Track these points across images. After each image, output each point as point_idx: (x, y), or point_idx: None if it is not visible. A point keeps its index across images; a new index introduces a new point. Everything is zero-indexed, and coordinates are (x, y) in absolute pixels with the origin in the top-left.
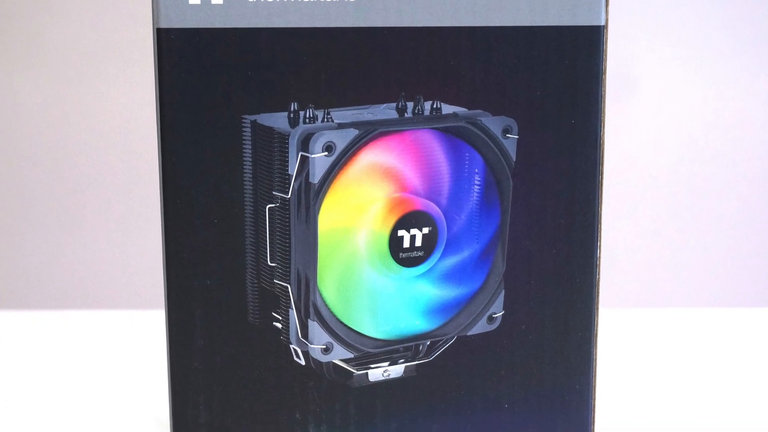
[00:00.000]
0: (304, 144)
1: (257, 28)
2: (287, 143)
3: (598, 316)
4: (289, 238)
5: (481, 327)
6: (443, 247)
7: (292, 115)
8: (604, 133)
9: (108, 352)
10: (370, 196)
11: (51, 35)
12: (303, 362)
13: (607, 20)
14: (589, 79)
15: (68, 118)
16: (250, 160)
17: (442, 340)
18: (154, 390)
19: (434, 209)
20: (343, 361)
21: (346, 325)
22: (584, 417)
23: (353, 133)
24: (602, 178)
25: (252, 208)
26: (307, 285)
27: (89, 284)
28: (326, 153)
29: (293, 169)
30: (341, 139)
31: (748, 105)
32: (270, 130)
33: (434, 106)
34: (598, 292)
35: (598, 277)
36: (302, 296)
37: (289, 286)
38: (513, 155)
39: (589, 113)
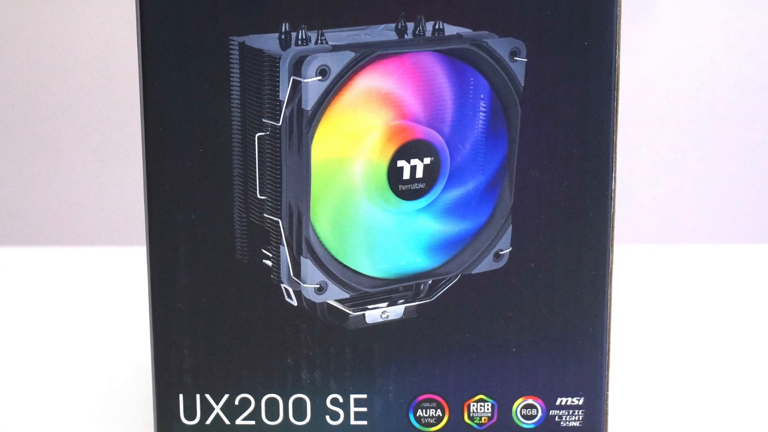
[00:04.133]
0: (296, 68)
1: None
2: (278, 67)
3: (612, 253)
4: (280, 169)
5: (486, 265)
6: (446, 178)
7: (283, 36)
8: (619, 56)
9: (84, 293)
10: (367, 123)
11: None
12: (295, 303)
13: None
14: None
15: (41, 39)
16: (238, 85)
17: (444, 279)
18: (135, 333)
19: (436, 138)
20: (338, 301)
21: (341, 263)
22: (597, 362)
23: (349, 55)
24: (617, 105)
25: (240, 137)
26: (299, 220)
27: (64, 219)
28: (320, 77)
29: (284, 94)
30: (336, 63)
31: None
32: (259, 53)
33: (436, 26)
34: (612, 228)
35: (613, 211)
36: (294, 232)
37: (280, 220)
38: (521, 80)
39: (603, 35)
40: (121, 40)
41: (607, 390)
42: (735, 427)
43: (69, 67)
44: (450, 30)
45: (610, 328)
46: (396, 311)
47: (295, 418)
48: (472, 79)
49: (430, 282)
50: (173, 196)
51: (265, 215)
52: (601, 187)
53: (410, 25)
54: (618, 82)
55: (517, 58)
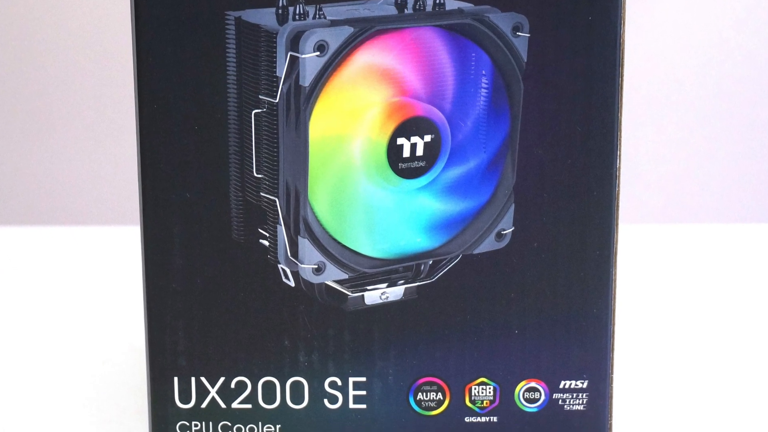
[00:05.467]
0: (294, 43)
1: None
2: (275, 42)
3: (617, 232)
4: (277, 147)
5: (488, 245)
6: (447, 156)
7: (280, 11)
8: (624, 31)
9: (77, 274)
10: (366, 100)
11: None
12: (292, 283)
13: None
14: None
15: (33, 14)
16: (234, 61)
17: (445, 259)
18: (129, 315)
19: (437, 115)
20: (337, 282)
21: (339, 243)
22: (602, 344)
23: (348, 30)
24: (622, 81)
25: (236, 114)
26: (296, 198)
27: (56, 198)
28: (318, 53)
29: (282, 70)
30: (334, 38)
31: None
32: (256, 28)
33: (437, 1)
34: (617, 207)
35: (618, 190)
36: (291, 211)
37: (277, 199)
38: (524, 55)
39: (608, 9)
40: (115, 15)
41: (612, 373)
42: (744, 406)
43: (61, 42)
44: (451, 4)
45: (614, 310)
46: (396, 292)
47: (293, 402)
48: (473, 54)
49: (430, 262)
50: (168, 175)
51: (261, 194)
52: (605, 165)
53: (410, 0)
54: (623, 58)
55: (520, 33)
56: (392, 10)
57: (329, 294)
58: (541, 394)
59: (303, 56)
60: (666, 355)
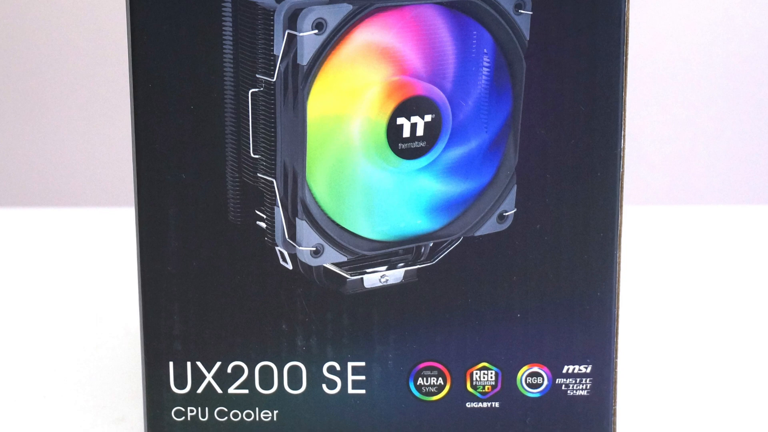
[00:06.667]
0: (292, 21)
1: None
2: (272, 20)
3: (621, 214)
4: (275, 127)
5: (490, 227)
6: (448, 136)
7: None
8: (628, 8)
9: (70, 256)
10: (365, 79)
11: None
12: (290, 266)
13: None
14: None
15: None
16: (231, 38)
17: (446, 241)
18: (123, 298)
19: (438, 94)
20: (336, 265)
21: (338, 225)
22: (606, 328)
23: (346, 8)
24: (626, 60)
25: (233, 93)
26: (294, 180)
27: (49, 179)
28: (316, 31)
29: (279, 49)
30: (333, 16)
31: None
32: (253, 5)
33: None
34: (621, 188)
35: (622, 171)
36: (289, 192)
37: (274, 180)
38: (526, 33)
39: None
40: None
41: (616, 357)
42: (750, 390)
43: (53, 19)
44: None
45: (619, 293)
46: (395, 275)
47: (290, 387)
48: (474, 32)
49: (431, 245)
50: (163, 155)
51: (258, 175)
52: (609, 145)
53: None
54: (627, 36)
55: (522, 11)
56: None
57: (328, 277)
58: (543, 379)
59: (301, 34)
60: (671, 339)
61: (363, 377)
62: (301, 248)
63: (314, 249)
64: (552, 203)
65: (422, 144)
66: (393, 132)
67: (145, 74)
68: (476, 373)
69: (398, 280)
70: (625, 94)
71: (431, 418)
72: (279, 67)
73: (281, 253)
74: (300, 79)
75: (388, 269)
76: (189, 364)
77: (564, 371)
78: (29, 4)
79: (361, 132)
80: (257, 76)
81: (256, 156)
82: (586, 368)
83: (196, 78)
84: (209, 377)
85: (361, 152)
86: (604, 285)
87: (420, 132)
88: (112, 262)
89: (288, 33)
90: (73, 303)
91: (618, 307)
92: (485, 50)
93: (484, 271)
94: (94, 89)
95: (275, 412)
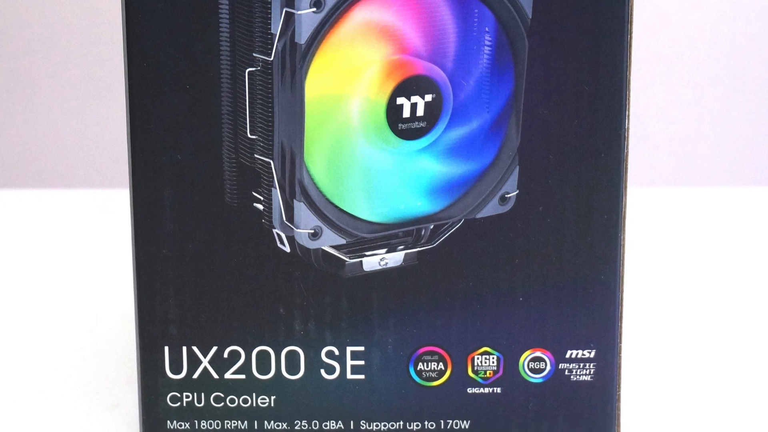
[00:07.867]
0: None
1: None
2: None
3: (626, 196)
4: (272, 107)
5: (492, 209)
6: (449, 116)
7: None
8: None
9: (64, 239)
10: (364, 58)
11: None
12: (288, 249)
13: None
14: None
15: None
16: (227, 17)
17: (447, 223)
18: (117, 281)
19: (438, 73)
20: (334, 247)
21: (337, 207)
22: (610, 312)
23: None
24: (631, 38)
25: (229, 73)
26: (292, 160)
27: (42, 160)
28: (314, 9)
29: (276, 27)
30: None
31: None
32: None
33: None
34: (626, 169)
35: (626, 152)
36: (287, 173)
37: (271, 161)
38: (529, 11)
39: None
40: None
41: (620, 342)
42: (758, 375)
43: None
44: None
45: (623, 276)
46: (395, 258)
47: (288, 372)
48: (476, 10)
49: (431, 227)
50: (158, 136)
51: (255, 156)
52: (613, 126)
53: None
54: (632, 14)
55: None
56: None
57: (326, 260)
58: (546, 364)
59: (298, 12)
60: (676, 323)
61: (362, 362)
62: (299, 230)
63: (312, 231)
64: (555, 185)
65: (422, 124)
66: (393, 112)
67: (139, 53)
68: (477, 358)
69: (398, 263)
70: (630, 74)
71: (432, 404)
72: (276, 45)
73: (279, 235)
74: (298, 58)
75: (387, 252)
76: (185, 348)
77: (567, 356)
78: None
79: (360, 112)
80: (254, 55)
81: (253, 136)
82: (590, 353)
83: (192, 57)
84: (205, 362)
85: (360, 133)
86: (608, 268)
87: (420, 112)
88: (106, 245)
89: (285, 11)
90: (67, 287)
91: (622, 291)
92: (487, 28)
93: (486, 254)
94: (87, 68)
95: (272, 397)
